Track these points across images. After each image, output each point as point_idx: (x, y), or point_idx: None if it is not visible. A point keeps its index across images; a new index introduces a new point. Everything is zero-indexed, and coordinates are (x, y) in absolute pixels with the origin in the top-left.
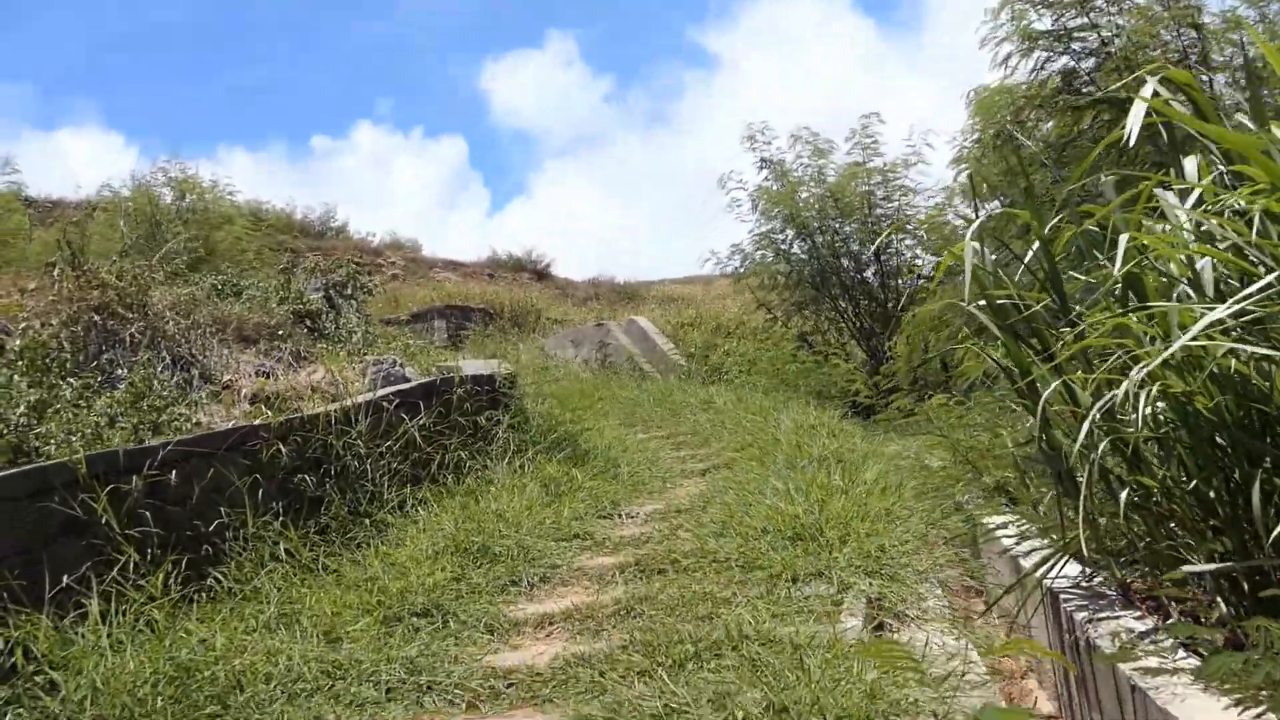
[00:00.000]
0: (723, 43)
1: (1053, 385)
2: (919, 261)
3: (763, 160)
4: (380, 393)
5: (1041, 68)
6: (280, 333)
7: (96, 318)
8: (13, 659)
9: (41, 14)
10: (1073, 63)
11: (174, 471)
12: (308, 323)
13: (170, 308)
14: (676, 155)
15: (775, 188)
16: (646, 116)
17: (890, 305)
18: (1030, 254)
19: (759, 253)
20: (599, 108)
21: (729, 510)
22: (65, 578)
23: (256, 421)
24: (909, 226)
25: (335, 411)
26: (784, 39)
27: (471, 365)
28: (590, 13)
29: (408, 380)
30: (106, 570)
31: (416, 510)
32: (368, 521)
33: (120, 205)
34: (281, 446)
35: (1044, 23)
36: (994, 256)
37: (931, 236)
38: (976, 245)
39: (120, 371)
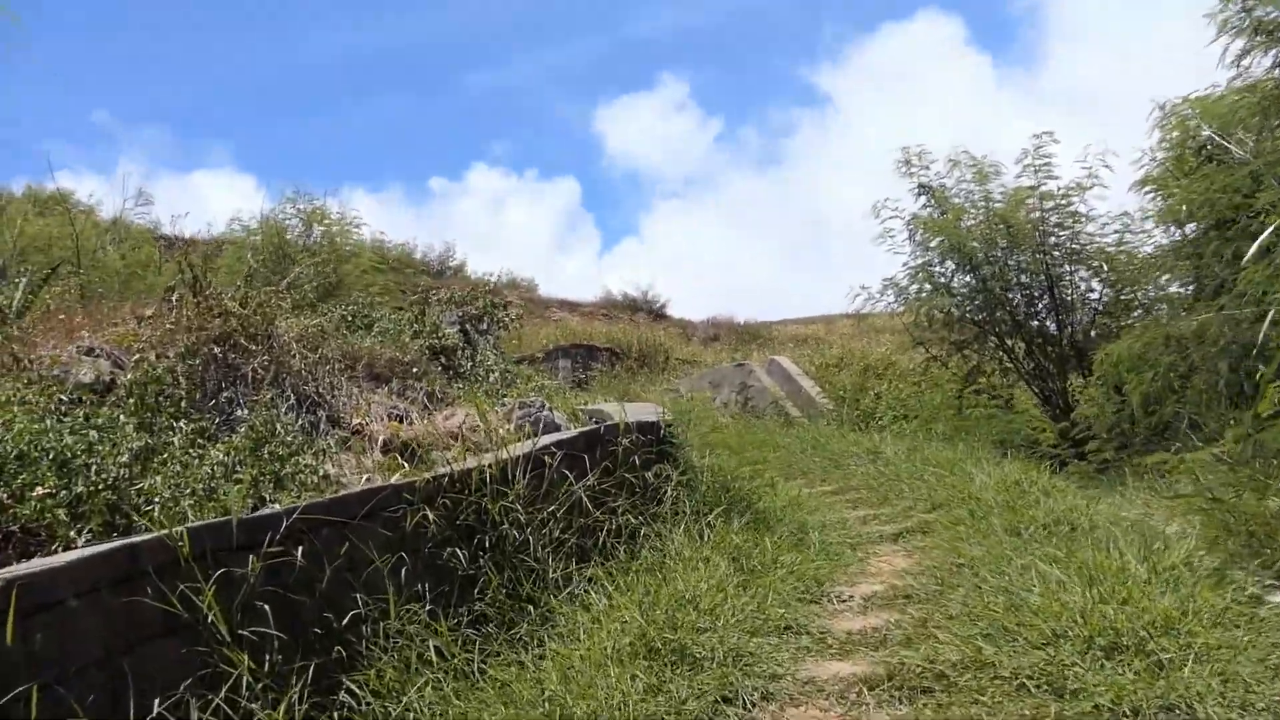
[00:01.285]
0: (833, 81)
1: None
2: (1093, 295)
3: (920, 186)
4: (540, 443)
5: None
6: (414, 370)
7: (217, 350)
8: None
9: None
10: None
11: (300, 547)
12: (443, 359)
13: (297, 339)
14: (789, 195)
15: (935, 215)
16: (758, 156)
17: (1066, 344)
18: None
19: (914, 286)
20: (710, 148)
21: (983, 599)
22: (157, 703)
23: (397, 480)
24: (1082, 256)
25: (490, 467)
26: (896, 75)
27: (629, 409)
28: (701, 55)
29: (558, 426)
30: (212, 687)
31: (587, 593)
32: (531, 609)
33: (248, 239)
34: (429, 512)
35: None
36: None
37: (1109, 267)
38: None
39: (240, 412)
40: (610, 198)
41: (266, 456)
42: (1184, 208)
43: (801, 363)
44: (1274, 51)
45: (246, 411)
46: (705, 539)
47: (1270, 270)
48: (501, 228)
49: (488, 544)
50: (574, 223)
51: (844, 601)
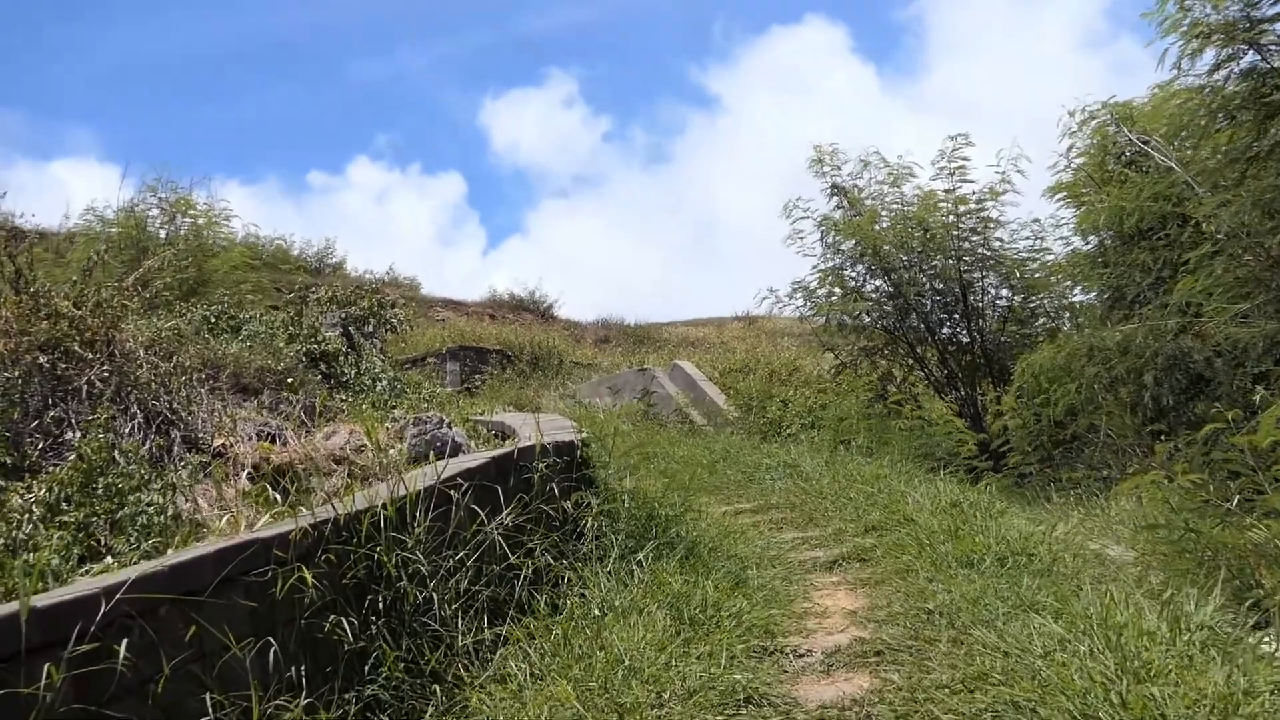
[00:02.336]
0: (723, 82)
1: None
2: (1002, 302)
3: (833, 186)
4: (445, 473)
5: (1218, 67)
6: (290, 380)
7: (43, 358)
8: None
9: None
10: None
11: (126, 638)
12: (323, 366)
13: (146, 346)
14: (678, 195)
15: (848, 217)
16: (647, 156)
17: (978, 352)
18: None
19: (824, 290)
20: (598, 146)
21: (975, 662)
22: None
23: (265, 530)
24: (993, 262)
25: (385, 507)
26: (785, 81)
27: (539, 424)
28: (590, 52)
29: (459, 447)
30: None
31: (505, 660)
32: (437, 688)
33: (102, 232)
34: (306, 572)
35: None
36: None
37: (1020, 274)
38: None
39: (71, 434)
40: (496, 194)
41: (100, 494)
42: (1102, 216)
43: (704, 368)
44: (1218, 51)
45: (79, 434)
46: (635, 581)
47: (1210, 281)
48: (384, 223)
49: (382, 606)
50: (459, 219)
51: (801, 657)
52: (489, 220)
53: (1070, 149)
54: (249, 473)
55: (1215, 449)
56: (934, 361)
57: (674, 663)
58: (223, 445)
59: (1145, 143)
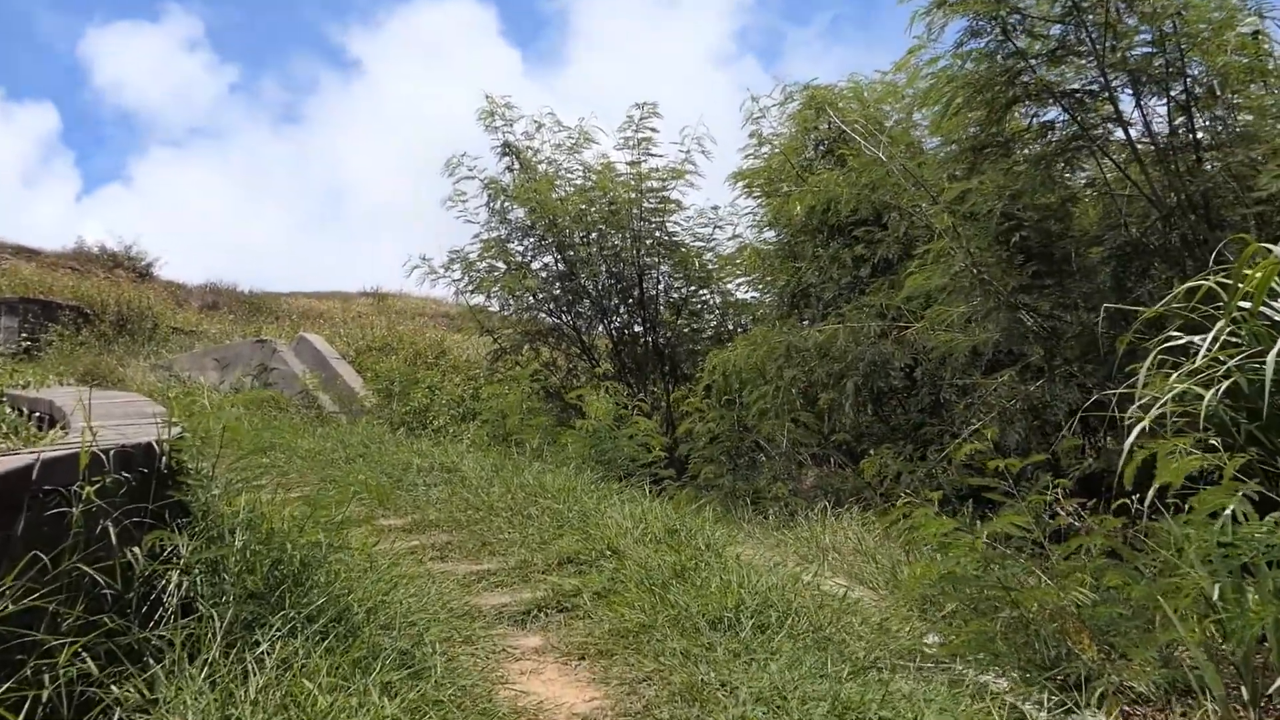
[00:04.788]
0: (365, 46)
1: None
2: (674, 294)
3: (505, 145)
4: None
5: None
6: None
7: None
8: None
9: None
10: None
11: None
12: None
13: None
14: (309, 158)
15: (520, 181)
16: (278, 114)
17: (650, 345)
18: None
19: (485, 264)
20: (223, 97)
21: None
22: None
23: None
24: (668, 248)
25: None
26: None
27: (103, 405)
28: None
29: None
30: None
31: None
32: None
33: None
34: None
35: None
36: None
37: (699, 264)
38: None
39: None
40: (96, 135)
41: None
42: (798, 207)
43: (338, 344)
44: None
45: None
46: (253, 693)
47: (936, 277)
48: None
49: None
50: (48, 157)
51: None
52: (85, 163)
53: (755, 135)
54: None
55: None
56: (605, 352)
57: None
58: None
59: (848, 128)
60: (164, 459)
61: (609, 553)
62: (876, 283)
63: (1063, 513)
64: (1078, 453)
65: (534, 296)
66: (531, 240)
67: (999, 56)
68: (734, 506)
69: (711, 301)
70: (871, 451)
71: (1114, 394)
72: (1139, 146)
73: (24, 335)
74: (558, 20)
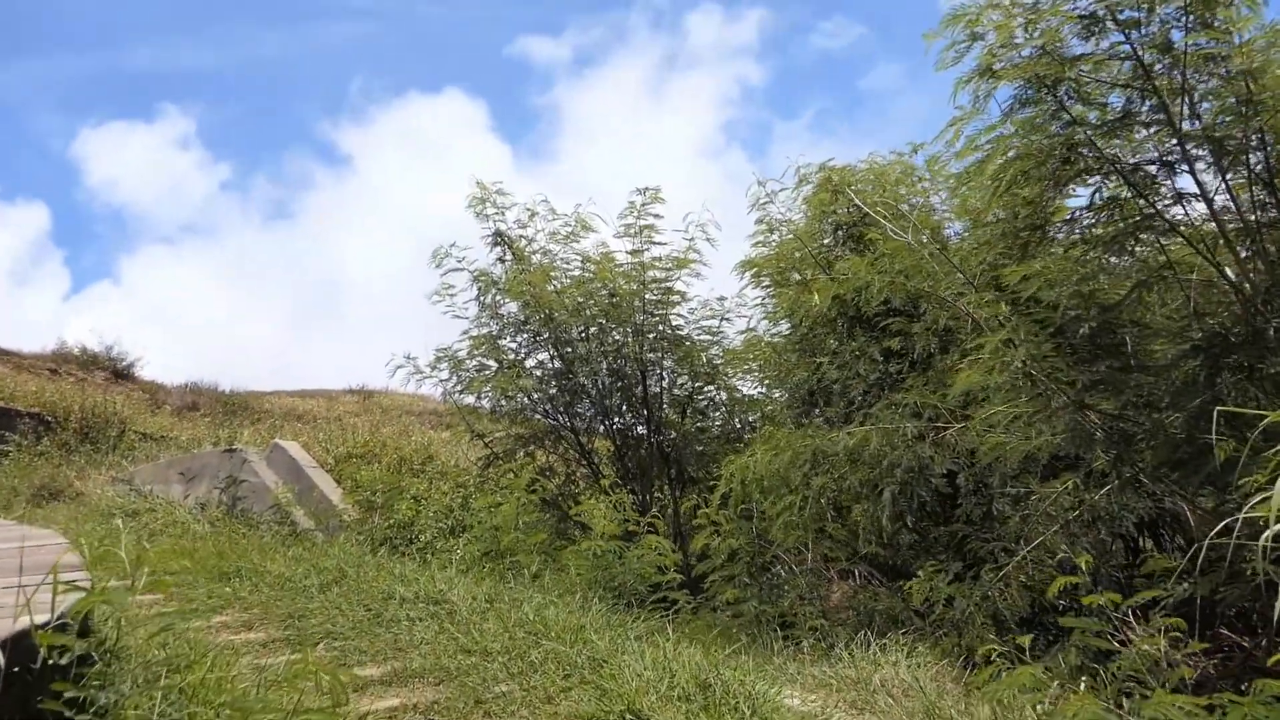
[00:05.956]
0: (356, 143)
1: None
2: (679, 390)
3: (497, 234)
4: None
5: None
6: None
7: None
8: None
9: None
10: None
11: None
12: None
13: None
14: (300, 255)
15: (512, 273)
16: (268, 211)
17: (654, 448)
18: None
19: (474, 362)
20: (214, 194)
21: None
22: None
23: None
24: (673, 343)
25: None
26: (422, 150)
27: None
28: (213, 92)
29: None
30: None
31: None
32: None
33: None
34: None
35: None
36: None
37: (705, 359)
38: None
39: None
40: (86, 234)
41: None
42: (817, 298)
43: (315, 450)
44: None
45: None
46: None
47: (994, 373)
48: None
49: None
50: (39, 257)
51: None
52: (75, 261)
53: (763, 221)
54: None
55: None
56: (605, 456)
57: None
58: None
59: (874, 212)
60: (41, 652)
61: (629, 716)
62: (911, 379)
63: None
64: (1166, 575)
65: (528, 397)
66: (525, 336)
67: (1054, 127)
68: (760, 632)
69: (718, 398)
70: (915, 569)
71: (1194, 506)
72: (1221, 222)
73: None
74: (548, 114)
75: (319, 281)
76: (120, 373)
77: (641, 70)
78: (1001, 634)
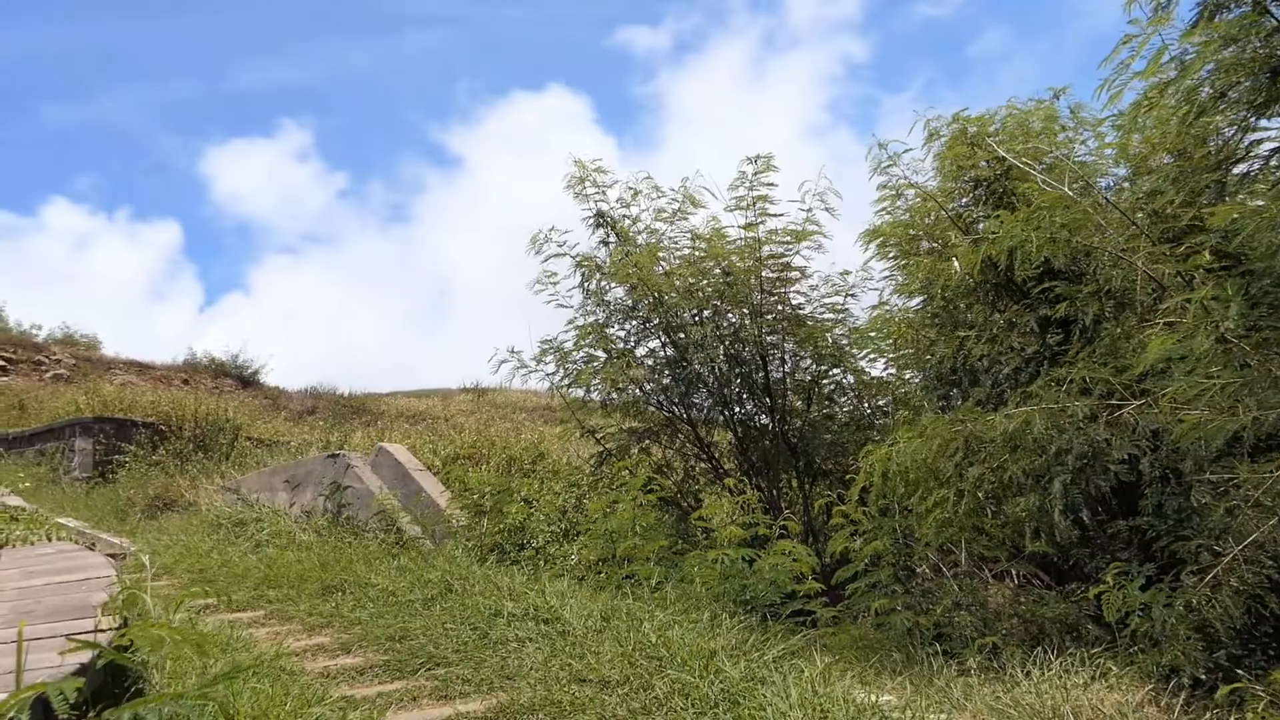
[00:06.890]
0: (465, 144)
1: None
2: (803, 375)
3: (599, 214)
4: None
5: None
6: None
7: None
8: None
9: None
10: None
11: None
12: None
13: None
14: (415, 256)
15: (616, 255)
16: (384, 215)
17: (779, 438)
18: None
19: (581, 353)
20: (333, 203)
21: None
22: None
23: None
24: (795, 323)
25: None
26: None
27: None
28: (328, 105)
29: None
30: None
31: None
32: None
33: None
34: None
35: None
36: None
37: (831, 340)
38: None
39: None
40: (216, 247)
41: None
42: (960, 264)
43: (423, 453)
44: None
45: None
46: None
47: (1201, 337)
48: (84, 272)
49: None
50: (174, 271)
51: None
52: (207, 275)
53: (887, 187)
54: None
55: None
56: (725, 449)
57: None
58: None
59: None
60: None
61: None
62: (1076, 350)
63: None
64: None
65: (640, 388)
66: (634, 323)
67: (1254, 42)
68: (915, 646)
69: (844, 382)
70: (1089, 570)
71: None
72: None
73: (96, 457)
74: (651, 104)
75: (435, 281)
76: (246, 380)
77: (741, 52)
78: (1211, 650)
